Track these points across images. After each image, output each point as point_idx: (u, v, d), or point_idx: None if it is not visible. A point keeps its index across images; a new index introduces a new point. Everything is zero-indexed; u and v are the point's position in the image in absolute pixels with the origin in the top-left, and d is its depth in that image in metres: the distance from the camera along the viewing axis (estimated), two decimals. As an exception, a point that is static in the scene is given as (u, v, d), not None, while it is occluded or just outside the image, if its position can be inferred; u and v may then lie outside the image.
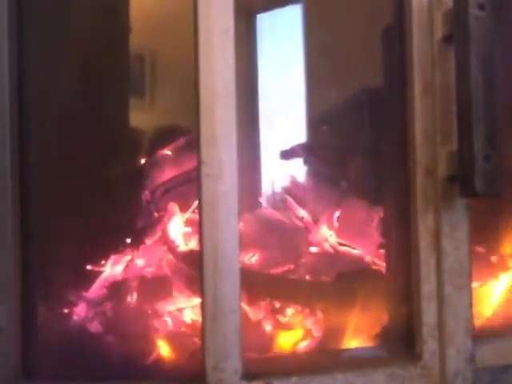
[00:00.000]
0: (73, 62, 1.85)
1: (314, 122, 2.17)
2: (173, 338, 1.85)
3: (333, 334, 1.85)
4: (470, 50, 1.57)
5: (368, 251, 2.00)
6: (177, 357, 1.82)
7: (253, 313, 1.88)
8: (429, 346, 1.67)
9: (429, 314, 1.70)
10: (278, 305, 1.90)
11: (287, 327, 1.88)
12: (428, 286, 1.71)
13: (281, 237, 2.08)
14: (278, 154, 2.16)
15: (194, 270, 1.81)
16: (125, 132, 1.97)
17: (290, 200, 2.11)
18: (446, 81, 1.69)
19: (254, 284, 1.91)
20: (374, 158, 1.93)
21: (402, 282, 1.75)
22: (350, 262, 2.03)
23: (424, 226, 1.71)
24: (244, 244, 1.97)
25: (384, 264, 1.88)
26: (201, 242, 1.56)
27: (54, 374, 1.68)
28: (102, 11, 1.86)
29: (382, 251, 1.93)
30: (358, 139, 1.97)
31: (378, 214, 1.97)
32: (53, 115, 1.82)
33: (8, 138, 1.64)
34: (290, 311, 1.90)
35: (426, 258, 1.71)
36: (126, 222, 2.02)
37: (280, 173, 2.18)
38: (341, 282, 1.93)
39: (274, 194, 2.16)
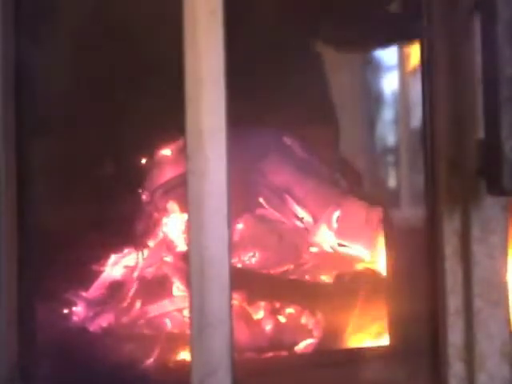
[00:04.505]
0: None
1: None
2: (165, 347, 1.72)
3: (342, 348, 1.67)
4: (497, 17, 1.29)
5: (386, 258, 1.71)
6: (167, 369, 1.69)
7: (244, 323, 1.74)
8: (455, 369, 1.40)
9: (455, 332, 1.40)
10: (276, 306, 1.79)
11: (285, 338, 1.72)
12: (455, 300, 1.40)
13: (282, 237, 1.94)
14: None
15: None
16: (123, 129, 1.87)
17: (290, 200, 2.02)
18: (473, 57, 1.39)
19: (250, 287, 1.78)
20: (390, 151, 1.72)
21: (424, 294, 1.47)
22: (364, 270, 1.85)
23: (450, 228, 1.40)
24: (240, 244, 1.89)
25: (403, 273, 1.58)
26: (188, 246, 1.35)
27: (51, 376, 1.58)
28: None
29: (401, 258, 1.62)
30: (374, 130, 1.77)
31: (397, 216, 1.69)
32: (53, 113, 1.73)
33: (2, 134, 1.53)
34: (288, 317, 1.77)
35: (453, 267, 1.40)
36: (126, 222, 1.92)
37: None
38: (356, 293, 1.71)
39: (273, 193, 2.06)
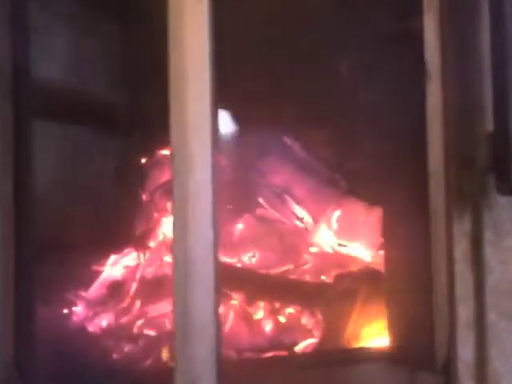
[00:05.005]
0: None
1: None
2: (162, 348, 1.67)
3: (341, 348, 1.60)
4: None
5: (386, 258, 1.56)
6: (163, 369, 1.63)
7: (244, 323, 1.71)
8: (466, 388, 1.20)
9: (466, 347, 1.20)
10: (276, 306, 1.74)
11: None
12: (465, 310, 1.20)
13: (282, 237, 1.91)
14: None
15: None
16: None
17: (290, 200, 1.99)
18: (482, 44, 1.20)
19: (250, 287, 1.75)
20: (391, 145, 1.47)
21: (426, 297, 1.28)
22: (364, 270, 1.76)
23: (460, 230, 1.20)
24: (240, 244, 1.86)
25: (404, 273, 1.42)
26: (172, 247, 1.23)
27: (47, 375, 1.51)
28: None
29: (402, 258, 1.45)
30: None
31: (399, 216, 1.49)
32: (52, 111, 1.70)
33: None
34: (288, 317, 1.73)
35: (463, 273, 1.20)
36: (126, 222, 1.90)
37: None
38: (355, 293, 1.64)
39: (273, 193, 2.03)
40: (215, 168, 1.19)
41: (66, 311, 1.74)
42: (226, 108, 1.89)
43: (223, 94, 1.49)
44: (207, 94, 1.20)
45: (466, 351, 1.21)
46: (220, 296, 1.22)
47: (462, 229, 1.21)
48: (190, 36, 1.20)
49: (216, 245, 1.19)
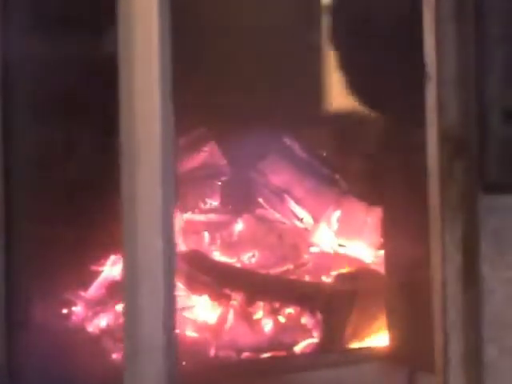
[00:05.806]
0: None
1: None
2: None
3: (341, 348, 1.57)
4: None
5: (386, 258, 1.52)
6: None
7: (244, 323, 1.67)
8: None
9: None
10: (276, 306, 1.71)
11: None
12: (457, 344, 0.93)
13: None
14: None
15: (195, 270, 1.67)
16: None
17: (290, 200, 1.98)
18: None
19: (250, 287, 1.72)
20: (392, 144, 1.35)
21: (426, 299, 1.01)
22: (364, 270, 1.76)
23: (450, 240, 0.93)
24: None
25: (404, 273, 1.32)
26: (122, 255, 1.06)
27: (40, 377, 1.48)
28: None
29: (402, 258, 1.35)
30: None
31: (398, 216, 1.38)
32: (46, 108, 1.58)
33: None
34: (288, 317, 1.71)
35: (454, 296, 0.94)
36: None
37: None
38: (355, 293, 1.62)
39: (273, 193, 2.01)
40: (170, 168, 1.02)
41: (62, 312, 1.68)
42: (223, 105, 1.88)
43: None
44: (155, 78, 1.03)
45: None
46: (175, 313, 1.07)
47: (453, 239, 0.94)
48: (138, 18, 1.04)
49: (168, 255, 1.01)
